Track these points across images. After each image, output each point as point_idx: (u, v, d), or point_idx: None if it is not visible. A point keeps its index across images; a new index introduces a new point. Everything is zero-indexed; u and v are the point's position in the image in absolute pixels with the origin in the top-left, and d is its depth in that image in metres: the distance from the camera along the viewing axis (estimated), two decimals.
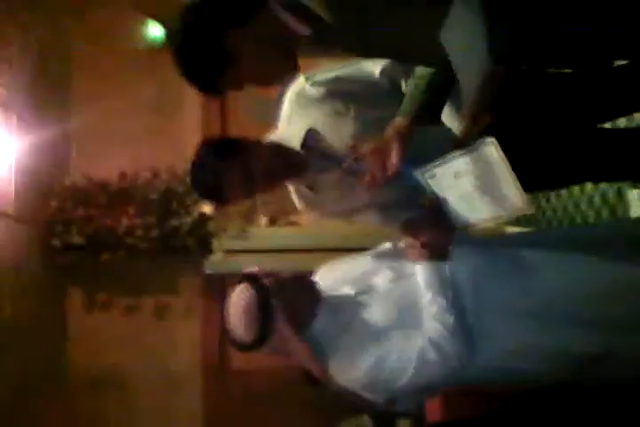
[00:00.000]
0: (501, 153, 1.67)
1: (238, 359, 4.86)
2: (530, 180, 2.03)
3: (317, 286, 1.87)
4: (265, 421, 4.67)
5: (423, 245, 1.76)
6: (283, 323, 1.71)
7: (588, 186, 3.26)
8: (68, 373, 4.80)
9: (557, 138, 1.93)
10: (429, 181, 1.84)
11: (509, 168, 1.68)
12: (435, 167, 1.81)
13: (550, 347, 1.70)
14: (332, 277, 1.91)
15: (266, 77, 1.70)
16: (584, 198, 3.34)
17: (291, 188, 2.09)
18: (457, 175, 1.79)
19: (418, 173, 1.85)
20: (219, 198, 2.00)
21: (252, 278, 1.77)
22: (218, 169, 1.89)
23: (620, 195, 3.02)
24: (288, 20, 1.51)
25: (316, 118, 1.96)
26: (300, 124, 1.96)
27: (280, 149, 1.96)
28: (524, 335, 1.70)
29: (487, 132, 1.63)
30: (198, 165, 1.94)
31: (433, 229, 1.79)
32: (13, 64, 4.15)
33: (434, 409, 2.44)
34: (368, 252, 1.96)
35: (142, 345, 4.86)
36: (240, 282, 1.78)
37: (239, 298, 1.74)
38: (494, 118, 1.57)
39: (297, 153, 1.93)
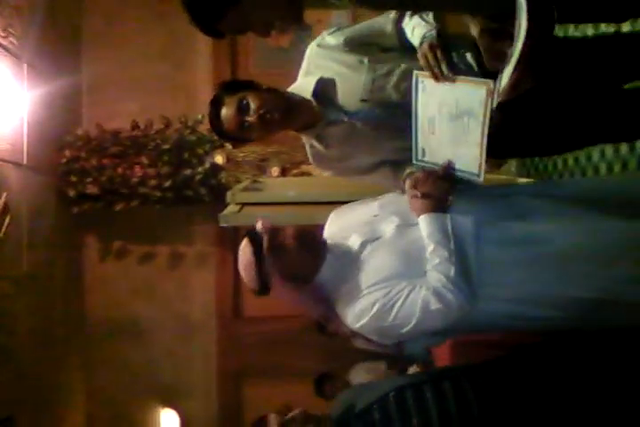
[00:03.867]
0: (490, 101, 1.69)
1: (251, 307, 4.97)
2: (547, 144, 2.05)
3: (323, 239, 1.92)
4: (277, 366, 4.80)
5: (424, 196, 1.80)
6: (278, 279, 1.78)
7: None
8: (86, 320, 4.93)
9: (580, 100, 1.91)
10: (426, 159, 1.89)
11: (487, 123, 1.71)
12: (417, 141, 1.88)
13: (556, 293, 1.74)
14: (341, 223, 1.96)
15: (265, 24, 1.71)
16: (596, 151, 3.33)
17: (305, 144, 2.11)
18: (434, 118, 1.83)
19: (415, 162, 1.91)
20: (233, 137, 2.03)
21: (250, 234, 1.84)
22: (223, 98, 1.96)
23: (633, 148, 3.02)
24: None
25: (333, 67, 1.99)
26: (318, 74, 2.00)
27: (290, 95, 2.00)
28: (529, 282, 1.75)
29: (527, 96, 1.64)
30: (210, 105, 1.99)
31: (432, 180, 1.83)
32: (23, 13, 4.11)
33: (443, 358, 2.52)
34: (377, 198, 2.00)
35: (157, 293, 4.97)
36: (243, 236, 1.86)
37: (240, 253, 1.84)
38: (536, 82, 1.57)
39: (307, 101, 1.96)
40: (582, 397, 1.82)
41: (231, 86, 2.00)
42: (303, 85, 2.01)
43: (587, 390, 1.83)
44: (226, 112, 1.95)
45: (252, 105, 1.91)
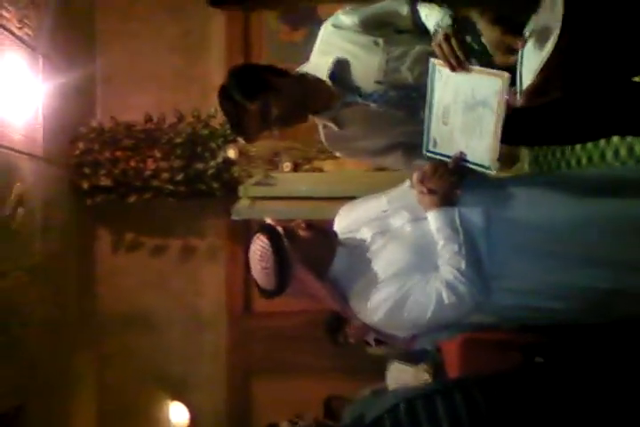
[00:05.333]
0: (505, 93, 1.65)
1: (262, 301, 4.96)
2: (559, 134, 2.03)
3: (334, 231, 1.92)
4: (287, 361, 4.81)
5: (430, 192, 1.80)
6: (300, 267, 1.77)
7: (615, 137, 3.22)
8: (97, 312, 4.97)
9: (590, 91, 1.89)
10: (437, 150, 1.87)
11: (501, 117, 1.68)
12: (429, 130, 1.85)
13: (564, 285, 1.75)
14: (351, 218, 1.96)
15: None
16: (610, 150, 3.31)
17: (318, 124, 2.11)
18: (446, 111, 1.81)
19: (425, 153, 1.89)
20: (244, 133, 2.03)
21: (265, 228, 1.83)
22: (243, 103, 1.94)
23: None
24: None
25: (347, 48, 1.98)
26: (332, 54, 1.98)
27: (306, 79, 1.99)
28: (539, 274, 1.75)
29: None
30: (225, 99, 1.99)
31: (439, 174, 1.82)
32: (39, 5, 4.12)
33: (452, 357, 2.51)
34: (385, 193, 1.99)
35: (168, 285, 5.00)
36: (256, 232, 1.84)
37: (255, 248, 1.81)
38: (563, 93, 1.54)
39: (323, 82, 1.96)
40: (595, 406, 1.82)
41: (248, 89, 1.95)
42: (318, 66, 1.99)
43: (599, 399, 1.82)
44: (247, 120, 1.95)
45: (274, 111, 1.92)
